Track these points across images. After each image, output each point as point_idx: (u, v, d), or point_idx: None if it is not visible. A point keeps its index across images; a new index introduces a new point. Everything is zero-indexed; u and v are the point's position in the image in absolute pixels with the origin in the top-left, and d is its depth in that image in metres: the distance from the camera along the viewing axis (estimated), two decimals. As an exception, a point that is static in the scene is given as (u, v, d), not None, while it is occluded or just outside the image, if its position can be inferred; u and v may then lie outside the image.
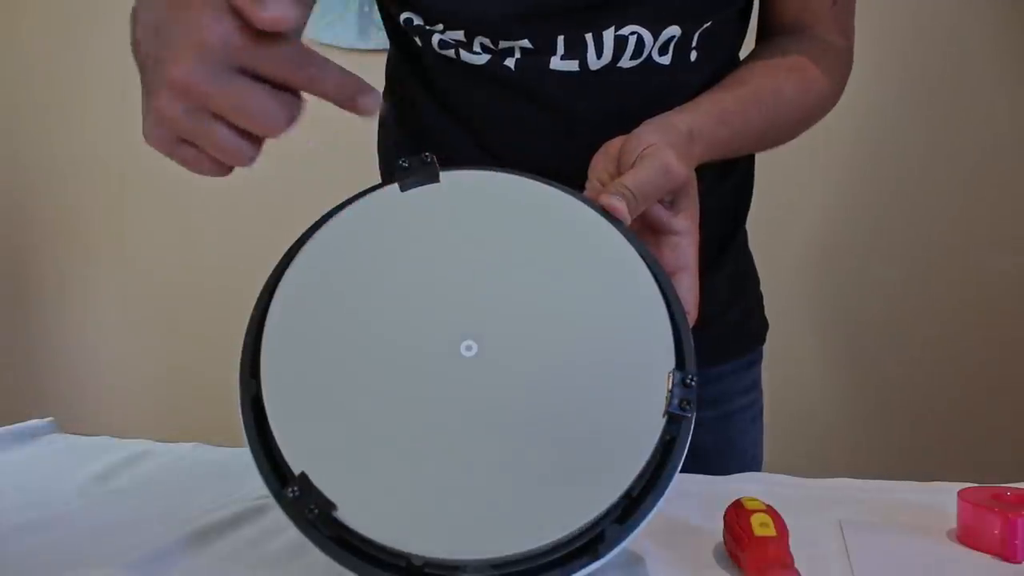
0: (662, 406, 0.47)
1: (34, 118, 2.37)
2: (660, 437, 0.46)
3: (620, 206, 0.52)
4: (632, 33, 0.68)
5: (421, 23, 0.71)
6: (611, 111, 0.69)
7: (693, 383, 0.47)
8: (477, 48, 0.70)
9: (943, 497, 0.59)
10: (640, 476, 0.45)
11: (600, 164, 0.60)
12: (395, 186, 0.51)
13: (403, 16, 0.72)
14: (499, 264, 0.50)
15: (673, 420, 0.47)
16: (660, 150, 0.56)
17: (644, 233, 0.58)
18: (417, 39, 0.73)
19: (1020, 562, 0.51)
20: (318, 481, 0.43)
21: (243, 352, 0.47)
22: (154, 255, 2.16)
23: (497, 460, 0.45)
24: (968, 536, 0.54)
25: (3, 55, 2.38)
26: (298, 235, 0.50)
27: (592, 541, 0.45)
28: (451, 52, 0.71)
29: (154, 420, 2.17)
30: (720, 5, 0.71)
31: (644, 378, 0.47)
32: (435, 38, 0.71)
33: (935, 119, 1.59)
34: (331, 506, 0.43)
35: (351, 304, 0.48)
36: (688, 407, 0.47)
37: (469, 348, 0.47)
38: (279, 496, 0.44)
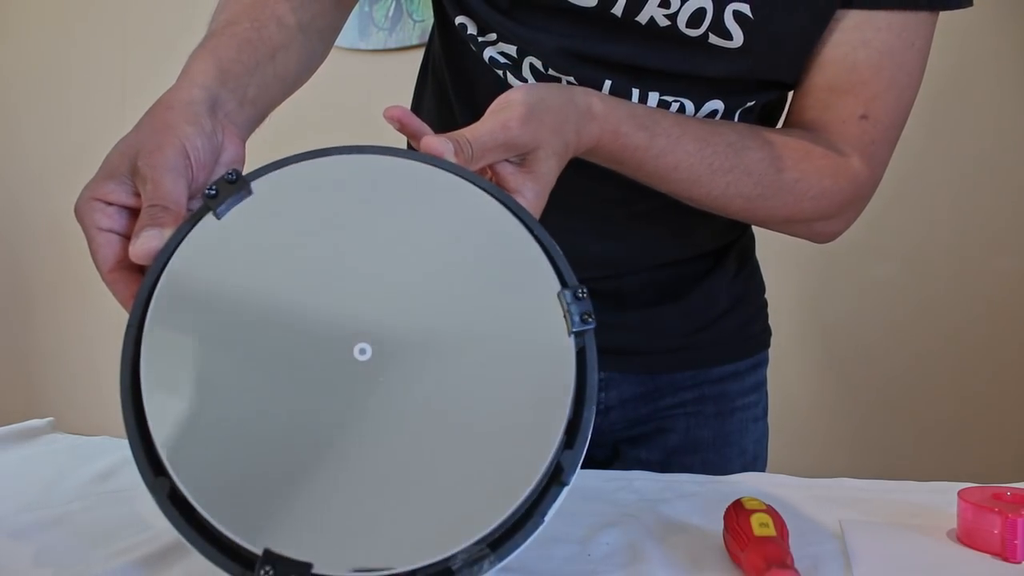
0: (565, 329, 0.46)
1: (34, 117, 2.37)
2: (575, 357, 0.46)
3: (439, 147, 0.51)
4: (675, 101, 0.68)
5: (474, 33, 0.71)
6: None
7: (584, 294, 0.47)
8: (526, 72, 0.70)
9: (943, 497, 0.59)
10: (573, 402, 0.45)
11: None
12: (210, 216, 0.48)
13: (458, 20, 0.72)
14: (366, 252, 0.48)
15: (580, 336, 0.46)
16: (508, 108, 0.56)
17: None
18: (472, 46, 0.73)
19: (1020, 562, 0.51)
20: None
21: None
22: (154, 255, 2.15)
23: (436, 449, 0.44)
24: (968, 536, 0.54)
25: (2, 54, 2.38)
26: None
27: (554, 473, 0.45)
28: (500, 72, 0.71)
29: (154, 420, 2.16)
30: (765, 87, 0.71)
31: (539, 309, 0.47)
32: (487, 53, 0.71)
33: (935, 118, 1.59)
34: (307, 567, 0.41)
35: (225, 338, 0.46)
36: (590, 318, 0.46)
37: (363, 351, 0.45)
38: None
